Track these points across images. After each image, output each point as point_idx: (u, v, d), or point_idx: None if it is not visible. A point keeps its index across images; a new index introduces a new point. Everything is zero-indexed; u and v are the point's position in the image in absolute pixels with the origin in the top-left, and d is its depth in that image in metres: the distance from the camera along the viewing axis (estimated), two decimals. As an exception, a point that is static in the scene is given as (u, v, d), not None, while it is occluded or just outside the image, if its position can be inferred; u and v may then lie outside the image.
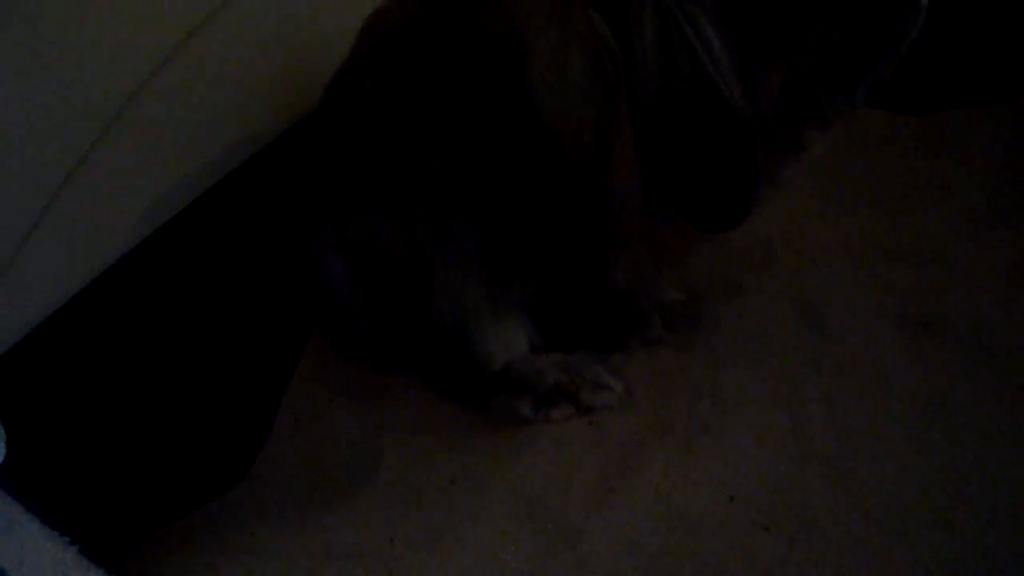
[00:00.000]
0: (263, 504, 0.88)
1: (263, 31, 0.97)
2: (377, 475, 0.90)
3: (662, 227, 0.87)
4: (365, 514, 0.87)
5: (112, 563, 0.76)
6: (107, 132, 0.84)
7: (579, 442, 0.90)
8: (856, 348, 0.93)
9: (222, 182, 0.96)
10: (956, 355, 0.91)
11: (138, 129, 0.87)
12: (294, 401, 0.97)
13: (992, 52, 1.16)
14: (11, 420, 0.81)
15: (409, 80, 0.85)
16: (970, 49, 1.15)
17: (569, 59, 0.81)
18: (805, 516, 0.81)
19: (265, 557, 0.84)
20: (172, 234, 0.94)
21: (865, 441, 0.86)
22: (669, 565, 0.80)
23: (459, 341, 0.90)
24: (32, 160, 0.81)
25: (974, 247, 1.01)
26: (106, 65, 0.84)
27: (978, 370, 0.90)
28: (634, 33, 0.77)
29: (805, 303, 0.98)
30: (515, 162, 0.83)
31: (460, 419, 0.93)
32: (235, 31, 0.93)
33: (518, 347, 0.92)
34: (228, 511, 0.88)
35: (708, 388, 0.92)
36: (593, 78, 0.81)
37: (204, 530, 0.86)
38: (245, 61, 0.95)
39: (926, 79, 1.16)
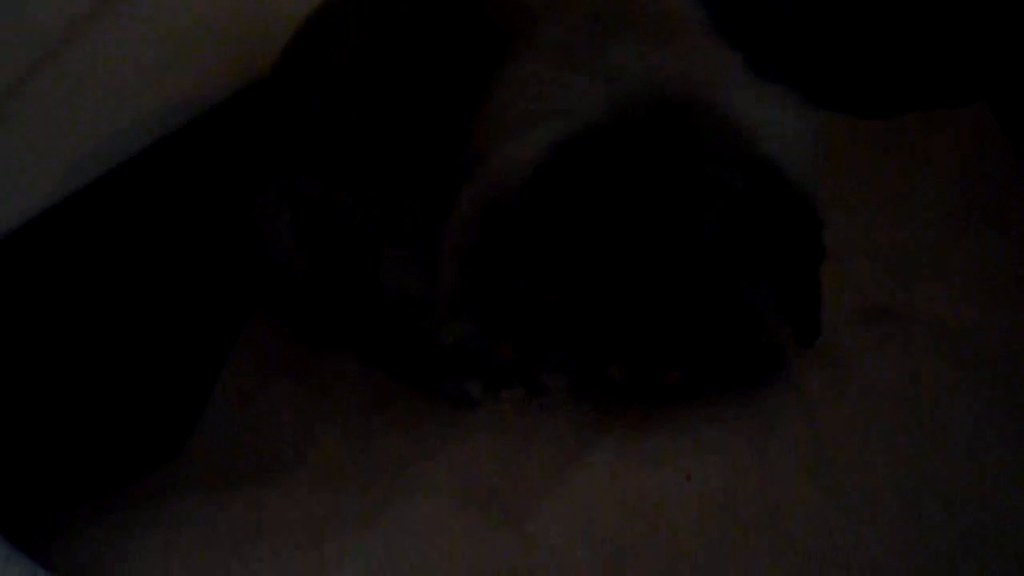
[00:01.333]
0: (191, 479, 0.83)
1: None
2: (314, 455, 0.85)
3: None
4: (299, 492, 0.81)
5: (25, 535, 0.71)
6: (40, 68, 0.79)
7: (530, 425, 0.85)
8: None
9: (162, 143, 0.91)
10: (920, 341, 0.88)
11: (71, 74, 0.82)
12: (230, 378, 0.92)
13: (947, 55, 1.16)
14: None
15: (397, 50, 0.81)
16: (926, 52, 1.15)
17: None
18: (767, 500, 0.77)
19: (185, 530, 0.77)
20: (108, 192, 0.88)
21: (831, 429, 0.81)
22: (622, 546, 0.74)
23: (407, 312, 0.86)
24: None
25: (937, 244, 0.99)
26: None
27: (943, 357, 0.86)
28: None
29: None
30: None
31: (403, 400, 0.88)
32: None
33: (468, 326, 0.87)
34: (151, 485, 0.83)
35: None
36: None
37: (124, 502, 0.80)
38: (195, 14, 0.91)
39: (884, 82, 1.17)
